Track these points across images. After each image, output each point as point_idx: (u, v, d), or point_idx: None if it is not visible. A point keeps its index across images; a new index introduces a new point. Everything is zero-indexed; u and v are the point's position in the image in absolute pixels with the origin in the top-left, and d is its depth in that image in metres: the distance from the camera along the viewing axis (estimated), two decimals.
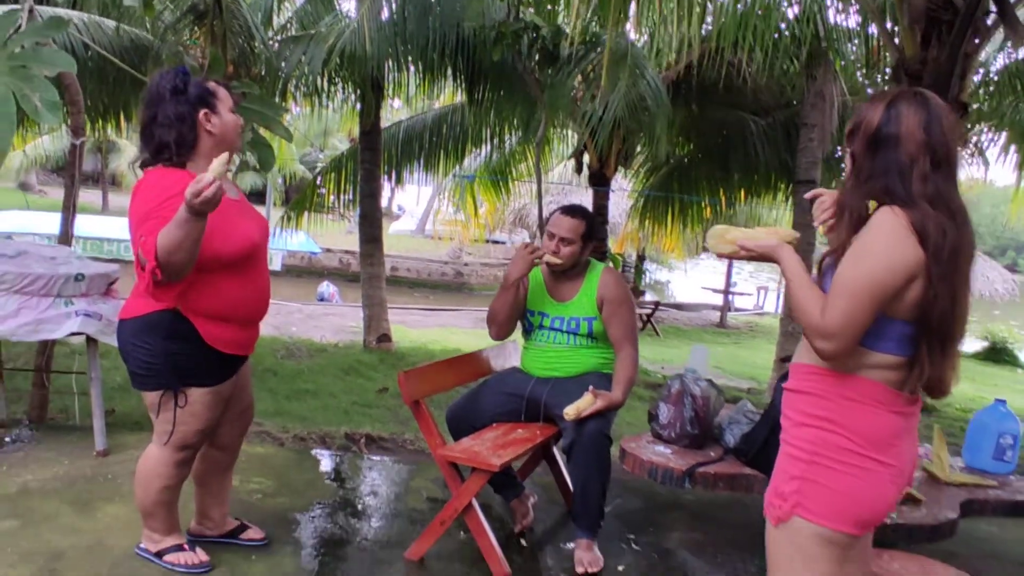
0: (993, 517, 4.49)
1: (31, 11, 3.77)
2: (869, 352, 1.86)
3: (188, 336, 2.73)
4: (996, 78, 8.81)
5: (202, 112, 2.72)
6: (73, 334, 3.84)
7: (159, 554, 2.95)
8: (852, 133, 1.94)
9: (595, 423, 3.28)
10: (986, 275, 19.90)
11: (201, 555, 2.99)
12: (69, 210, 4.39)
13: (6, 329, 3.64)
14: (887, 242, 1.79)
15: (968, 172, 11.49)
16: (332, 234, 21.48)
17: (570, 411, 3.24)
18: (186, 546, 2.99)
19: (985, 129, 9.98)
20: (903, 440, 1.92)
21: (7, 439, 4.12)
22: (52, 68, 3.28)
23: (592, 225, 3.62)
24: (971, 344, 20.79)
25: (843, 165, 2.01)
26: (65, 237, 4.41)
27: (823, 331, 1.82)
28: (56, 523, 3.22)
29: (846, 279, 1.81)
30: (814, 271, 2.01)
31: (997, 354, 18.55)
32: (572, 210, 3.62)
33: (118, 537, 3.14)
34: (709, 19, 6.86)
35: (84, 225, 13.66)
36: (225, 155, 2.55)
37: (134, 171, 2.76)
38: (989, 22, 5.07)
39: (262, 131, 4.36)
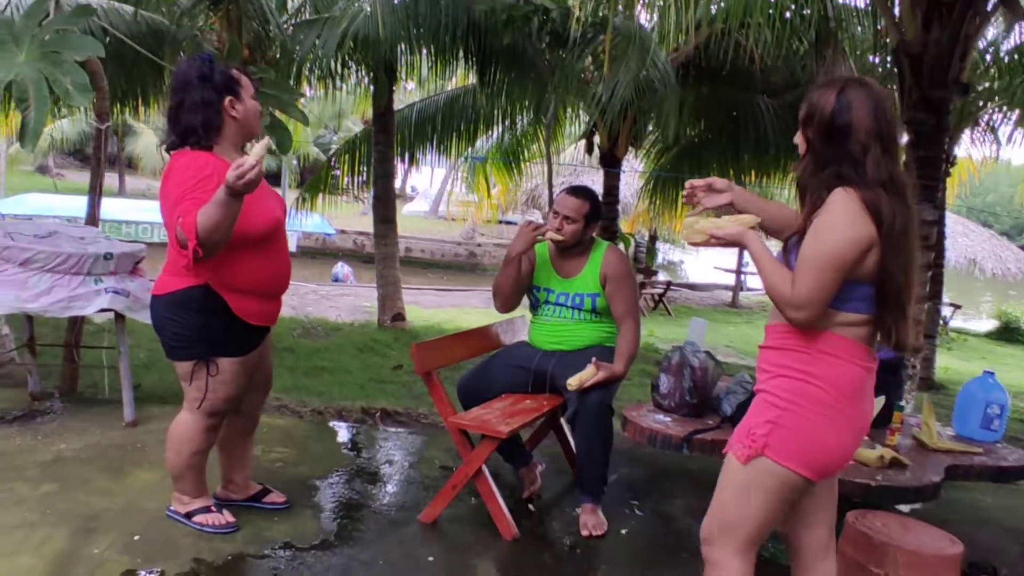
0: (981, 483, 4.68)
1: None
2: (838, 312, 2.05)
3: (219, 309, 2.91)
4: (1007, 58, 8.84)
5: (227, 99, 2.88)
6: (102, 310, 4.03)
7: (188, 515, 3.15)
8: (807, 120, 2.11)
9: (597, 393, 3.44)
10: (999, 255, 19.88)
11: (228, 516, 3.18)
12: (96, 192, 4.57)
13: (39, 306, 3.83)
14: (845, 220, 1.97)
15: (980, 151, 11.53)
16: (346, 216, 21.67)
17: (573, 382, 3.40)
18: (213, 508, 3.18)
19: (996, 109, 10.03)
20: (866, 394, 2.11)
21: (41, 411, 4.33)
22: (82, 53, 3.45)
23: (597, 206, 3.76)
24: (984, 324, 20.86)
25: (795, 143, 2.18)
26: (92, 218, 4.58)
27: (794, 303, 2.01)
28: (91, 487, 3.42)
29: (811, 255, 2.00)
30: (777, 251, 2.22)
31: (1010, 333, 18.60)
32: (577, 191, 3.77)
33: (149, 500, 3.34)
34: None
35: (103, 207, 13.87)
36: (267, 140, 2.75)
37: (162, 154, 2.92)
38: (989, 5, 5.14)
39: (278, 114, 4.52)
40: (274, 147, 4.53)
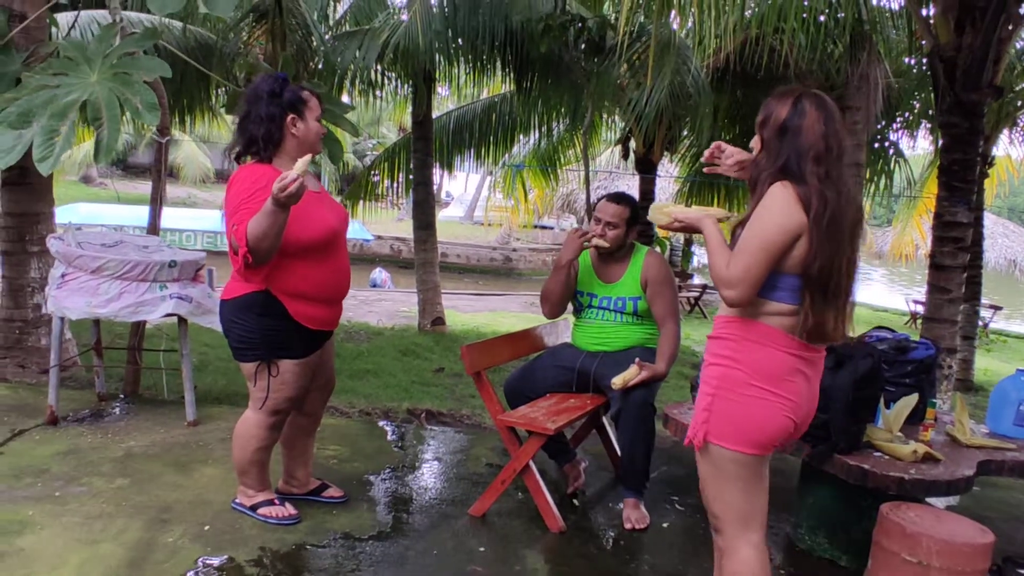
0: (1019, 483, 4.74)
1: (120, 19, 4.18)
2: (767, 301, 2.26)
3: (279, 314, 3.09)
4: None
5: (290, 116, 3.07)
6: (167, 315, 4.25)
7: (253, 507, 3.34)
8: (763, 123, 2.31)
9: (640, 393, 3.59)
10: None
11: (290, 509, 3.37)
12: (157, 203, 4.80)
13: (110, 311, 4.06)
14: (777, 210, 2.19)
15: (1020, 151, 11.48)
16: (383, 222, 21.95)
17: (617, 381, 3.55)
18: (276, 501, 3.37)
19: None
20: (797, 378, 2.28)
21: (108, 411, 4.57)
22: (151, 74, 3.67)
23: (636, 211, 3.90)
24: (1020, 326, 20.62)
25: (751, 147, 2.39)
26: (153, 228, 4.82)
27: (727, 280, 2.23)
28: (161, 481, 3.64)
29: (745, 239, 2.22)
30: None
31: None
32: (617, 197, 3.92)
33: (216, 493, 3.55)
34: (752, 5, 7.05)
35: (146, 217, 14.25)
36: (308, 156, 2.91)
37: (229, 158, 3.14)
38: (1022, 10, 5.20)
39: (329, 126, 4.71)
40: (328, 158, 4.74)
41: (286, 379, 3.17)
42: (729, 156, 2.47)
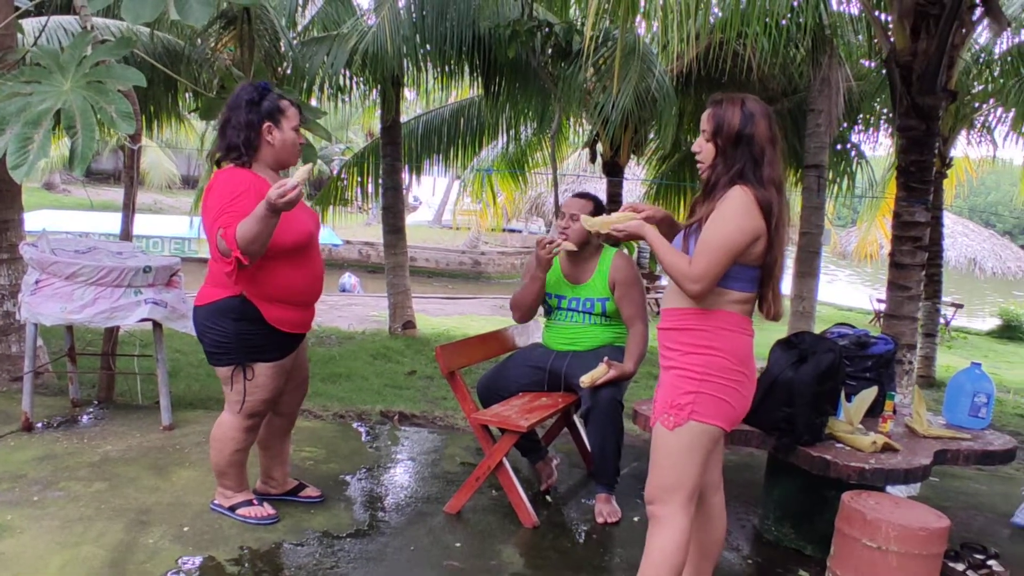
0: (976, 473, 4.91)
1: (92, 27, 4.20)
2: (728, 291, 2.49)
3: (254, 318, 3.15)
4: (999, 62, 9.08)
5: (266, 124, 3.13)
6: (142, 320, 4.27)
7: (232, 508, 3.39)
8: (717, 130, 2.49)
9: (609, 391, 3.68)
10: (999, 254, 20.09)
11: (269, 509, 3.42)
12: (129, 209, 4.82)
13: (84, 316, 4.09)
14: (740, 212, 2.40)
15: (977, 152, 11.74)
16: (352, 226, 21.90)
17: (585, 379, 3.64)
18: (255, 501, 3.42)
19: (991, 111, 10.26)
20: (752, 356, 2.54)
21: (82, 417, 4.58)
22: (126, 83, 3.71)
23: (600, 205, 3.99)
24: (986, 323, 21.07)
25: (696, 152, 2.59)
26: (126, 234, 4.83)
27: (692, 277, 2.43)
28: (139, 484, 3.67)
29: (709, 238, 2.42)
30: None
31: (1011, 332, 18.84)
32: (581, 193, 4.06)
33: (194, 495, 3.59)
34: (716, 10, 7.19)
35: (111, 223, 14.17)
36: (310, 165, 3.02)
37: (209, 161, 3.20)
38: (974, 16, 5.37)
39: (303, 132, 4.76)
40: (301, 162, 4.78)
41: (261, 382, 3.22)
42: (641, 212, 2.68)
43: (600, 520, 3.73)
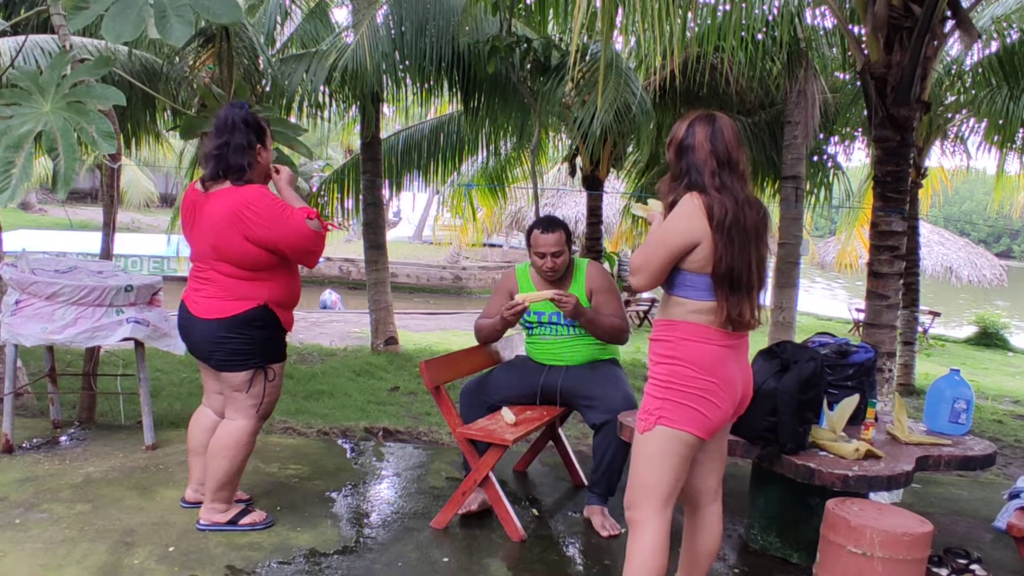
0: (958, 479, 4.96)
1: (70, 47, 4.19)
2: (687, 300, 2.58)
3: (273, 323, 3.35)
4: (970, 73, 9.22)
5: (258, 145, 3.28)
6: (124, 339, 4.25)
7: (232, 521, 3.41)
8: (668, 144, 2.69)
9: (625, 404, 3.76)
10: (974, 262, 20.30)
11: (262, 512, 3.51)
12: (110, 228, 4.80)
13: (66, 336, 4.06)
14: (679, 216, 2.53)
15: (952, 162, 11.90)
16: (331, 243, 21.86)
17: (518, 296, 3.82)
18: (251, 508, 3.47)
19: (964, 121, 10.41)
20: (729, 364, 2.59)
21: (63, 438, 4.54)
22: (106, 103, 3.70)
23: (567, 229, 4.05)
24: (963, 330, 21.26)
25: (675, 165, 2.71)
26: (107, 253, 4.81)
27: (631, 268, 2.64)
28: (122, 505, 3.64)
29: (651, 235, 2.62)
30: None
31: (988, 339, 19.03)
32: (550, 225, 3.97)
33: (179, 515, 3.57)
34: (693, 25, 7.24)
35: (89, 243, 14.08)
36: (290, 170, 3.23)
37: (202, 185, 3.29)
38: (946, 28, 5.46)
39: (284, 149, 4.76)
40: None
41: (277, 382, 3.42)
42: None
43: (604, 533, 3.75)
